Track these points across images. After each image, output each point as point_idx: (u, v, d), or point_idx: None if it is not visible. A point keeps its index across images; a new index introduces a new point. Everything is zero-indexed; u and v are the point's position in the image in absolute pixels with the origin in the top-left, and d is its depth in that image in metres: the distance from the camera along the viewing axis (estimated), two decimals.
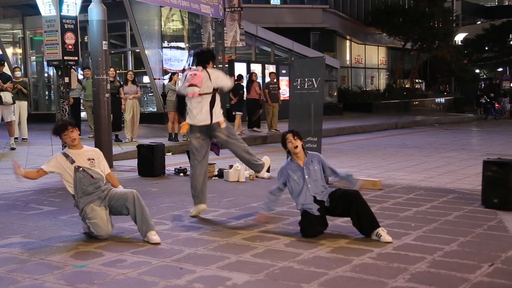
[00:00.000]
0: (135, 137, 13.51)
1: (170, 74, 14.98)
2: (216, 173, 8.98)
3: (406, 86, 35.08)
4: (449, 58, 35.17)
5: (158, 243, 5.05)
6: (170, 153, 11.61)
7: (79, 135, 5.55)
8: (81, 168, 5.29)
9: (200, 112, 6.12)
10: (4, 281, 4.15)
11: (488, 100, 31.13)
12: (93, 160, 5.40)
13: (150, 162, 9.10)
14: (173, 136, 13.53)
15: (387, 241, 5.03)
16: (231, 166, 8.79)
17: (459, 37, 39.33)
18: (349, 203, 5.22)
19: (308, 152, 5.64)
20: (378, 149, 13.55)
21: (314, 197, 5.38)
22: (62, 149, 5.73)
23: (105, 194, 5.32)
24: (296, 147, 5.46)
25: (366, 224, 5.17)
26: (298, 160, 5.51)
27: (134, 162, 9.72)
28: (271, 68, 20.92)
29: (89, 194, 5.28)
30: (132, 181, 8.72)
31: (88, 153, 5.44)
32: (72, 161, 5.31)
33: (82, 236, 5.38)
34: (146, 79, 20.06)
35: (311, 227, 5.28)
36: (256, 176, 8.66)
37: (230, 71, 19.78)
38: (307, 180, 5.42)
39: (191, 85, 6.10)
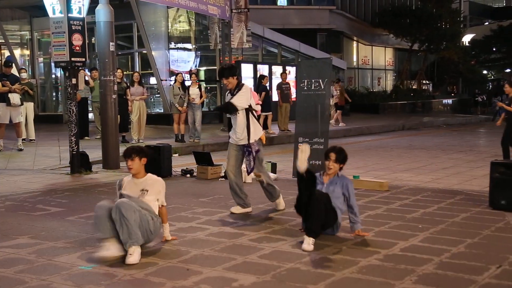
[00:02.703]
0: (142, 138, 13.53)
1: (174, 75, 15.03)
2: (222, 174, 8.98)
3: (413, 87, 34.95)
4: (456, 59, 35.01)
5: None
6: (177, 154, 11.62)
7: (138, 158, 5.10)
8: (123, 196, 4.96)
9: None
10: (12, 282, 4.17)
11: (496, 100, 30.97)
12: (146, 191, 5.01)
13: (157, 163, 9.08)
14: (180, 137, 13.56)
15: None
16: None
17: (466, 38, 39.13)
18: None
19: (341, 175, 5.48)
20: (385, 150, 13.51)
21: None
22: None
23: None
24: (330, 168, 5.41)
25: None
26: (325, 177, 5.48)
27: None
28: (281, 69, 20.93)
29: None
30: None
31: (144, 184, 5.06)
32: (120, 187, 5.09)
33: (89, 237, 5.39)
34: (153, 80, 20.11)
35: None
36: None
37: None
38: None
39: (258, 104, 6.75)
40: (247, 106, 6.29)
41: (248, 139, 6.25)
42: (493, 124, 25.07)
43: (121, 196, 5.00)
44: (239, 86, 6.33)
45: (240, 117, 6.28)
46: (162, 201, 5.13)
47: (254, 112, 6.40)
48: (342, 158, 5.44)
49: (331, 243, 5.11)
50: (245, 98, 6.28)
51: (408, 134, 18.56)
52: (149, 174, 5.23)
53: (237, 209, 6.50)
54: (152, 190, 5.05)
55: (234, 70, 6.40)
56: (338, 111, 19.58)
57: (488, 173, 6.74)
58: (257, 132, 6.35)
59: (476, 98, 31.67)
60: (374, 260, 4.61)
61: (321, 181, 5.47)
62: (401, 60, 36.31)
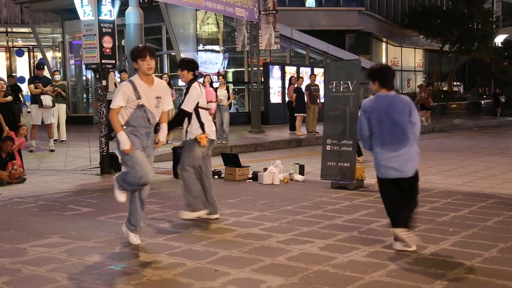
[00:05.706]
0: (171, 140, 13.62)
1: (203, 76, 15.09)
2: (250, 175, 8.99)
3: (444, 89, 34.48)
4: (488, 60, 34.36)
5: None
6: None
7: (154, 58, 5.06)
8: (144, 108, 4.99)
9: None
10: (44, 280, 4.24)
11: None
12: (160, 98, 5.08)
13: None
14: None
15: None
16: (265, 169, 8.78)
17: (499, 39, 38.42)
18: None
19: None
20: None
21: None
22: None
23: (149, 144, 5.13)
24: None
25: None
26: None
27: (169, 164, 9.81)
28: (309, 71, 20.90)
29: (135, 135, 5.02)
30: (167, 183, 8.81)
31: (157, 90, 5.09)
32: (138, 97, 4.95)
33: (118, 237, 5.45)
34: (181, 82, 20.24)
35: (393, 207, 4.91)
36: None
37: (264, 74, 19.80)
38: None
39: (211, 101, 6.42)
40: (191, 110, 6.08)
41: (185, 136, 6.19)
42: None
43: (142, 107, 4.97)
44: (189, 84, 6.08)
45: (193, 115, 6.09)
46: (169, 106, 5.30)
47: (203, 110, 6.14)
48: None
49: (360, 246, 5.07)
50: (192, 100, 6.05)
51: (438, 136, 18.32)
52: (155, 78, 5.19)
53: (188, 214, 6.08)
54: (163, 98, 5.14)
55: (190, 65, 6.11)
56: (427, 111, 21.80)
57: None
58: (193, 131, 6.16)
59: (500, 98, 30.70)
60: (403, 263, 4.56)
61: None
62: (432, 62, 35.85)
